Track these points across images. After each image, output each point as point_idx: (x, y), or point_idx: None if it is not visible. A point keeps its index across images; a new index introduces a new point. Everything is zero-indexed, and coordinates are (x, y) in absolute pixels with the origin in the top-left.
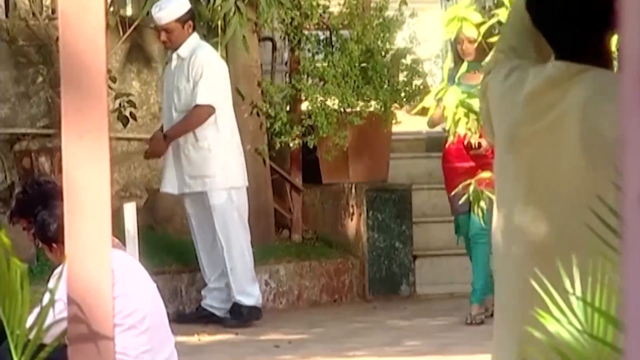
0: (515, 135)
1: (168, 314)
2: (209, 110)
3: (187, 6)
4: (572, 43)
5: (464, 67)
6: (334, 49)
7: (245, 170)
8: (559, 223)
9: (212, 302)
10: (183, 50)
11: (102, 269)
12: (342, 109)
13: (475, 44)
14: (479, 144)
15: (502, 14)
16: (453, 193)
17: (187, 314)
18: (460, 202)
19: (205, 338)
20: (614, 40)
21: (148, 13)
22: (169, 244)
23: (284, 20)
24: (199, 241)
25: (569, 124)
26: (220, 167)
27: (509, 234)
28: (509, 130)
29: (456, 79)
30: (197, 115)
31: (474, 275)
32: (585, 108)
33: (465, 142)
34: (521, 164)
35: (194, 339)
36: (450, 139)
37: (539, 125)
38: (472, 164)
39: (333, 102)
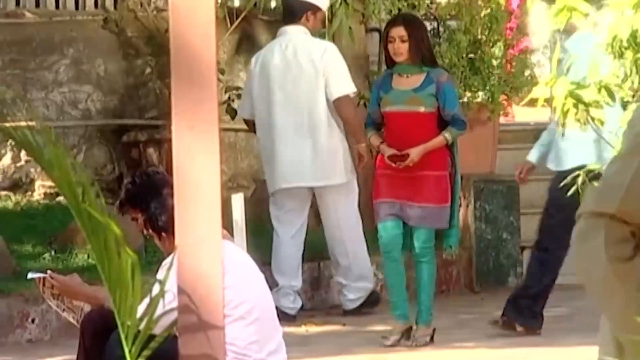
0: None
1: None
2: None
3: None
4: None
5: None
6: (441, 40)
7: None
8: None
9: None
10: None
11: (213, 259)
12: None
13: (408, 44)
14: (405, 156)
15: (612, 4)
16: (378, 201)
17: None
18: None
19: (313, 329)
20: None
21: (255, 4)
22: None
23: (391, 11)
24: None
25: None
26: None
27: None
28: None
29: (382, 83)
30: None
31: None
32: None
33: (388, 155)
34: None
35: (301, 330)
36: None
37: None
38: (399, 174)
39: None
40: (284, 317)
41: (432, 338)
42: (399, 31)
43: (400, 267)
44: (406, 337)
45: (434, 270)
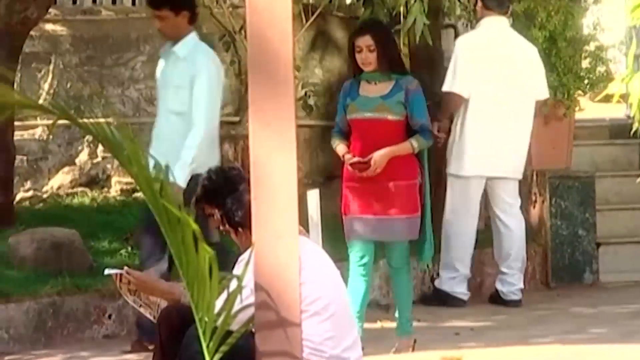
0: None
1: None
2: None
3: None
4: None
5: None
6: None
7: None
8: None
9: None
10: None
11: (290, 255)
12: None
13: (376, 53)
14: (368, 163)
15: None
16: (348, 217)
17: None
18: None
19: (388, 325)
20: None
21: (331, 0)
22: None
23: (466, 7)
24: None
25: None
26: None
27: None
28: None
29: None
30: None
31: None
32: None
33: (350, 163)
34: None
35: (376, 326)
36: (635, 125)
37: None
38: (368, 186)
39: None
40: (455, 303)
41: (413, 349)
42: (366, 40)
43: (363, 284)
44: None
45: (411, 281)
